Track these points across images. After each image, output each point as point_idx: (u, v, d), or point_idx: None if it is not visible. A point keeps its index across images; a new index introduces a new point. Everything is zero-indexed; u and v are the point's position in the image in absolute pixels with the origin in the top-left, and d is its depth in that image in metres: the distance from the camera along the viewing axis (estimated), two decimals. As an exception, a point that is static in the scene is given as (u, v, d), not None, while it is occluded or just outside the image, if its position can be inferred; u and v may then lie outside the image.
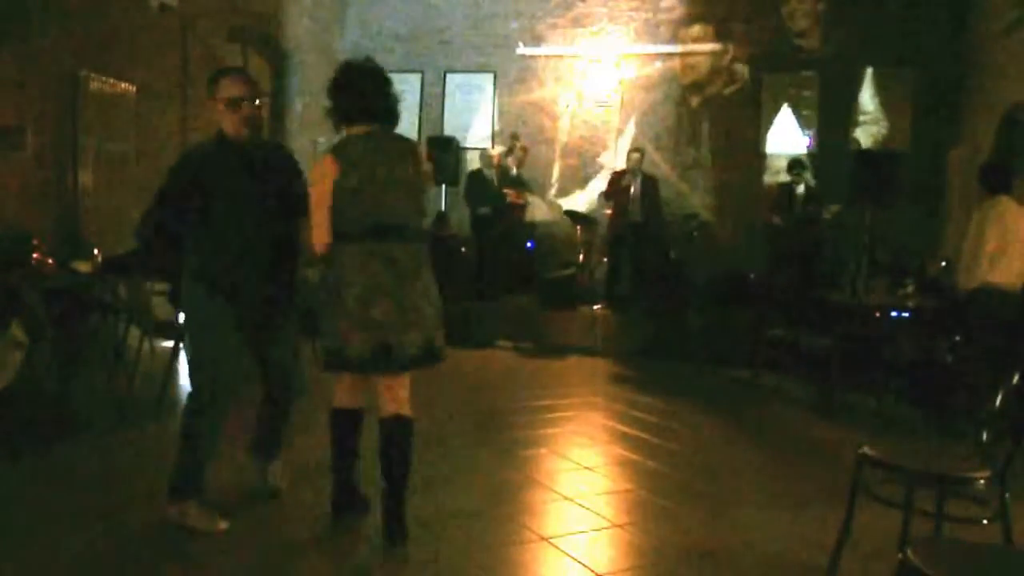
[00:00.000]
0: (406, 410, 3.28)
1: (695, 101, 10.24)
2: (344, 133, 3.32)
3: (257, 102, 3.46)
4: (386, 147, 3.27)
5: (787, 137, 9.88)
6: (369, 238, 3.16)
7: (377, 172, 3.19)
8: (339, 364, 3.23)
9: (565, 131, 10.71)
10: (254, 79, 3.62)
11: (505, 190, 9.58)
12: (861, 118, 9.58)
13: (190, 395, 3.47)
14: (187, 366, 3.79)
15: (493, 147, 10.36)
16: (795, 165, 8.66)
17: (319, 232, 3.20)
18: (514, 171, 9.84)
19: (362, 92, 3.26)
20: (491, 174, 9.70)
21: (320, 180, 3.20)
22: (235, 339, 3.44)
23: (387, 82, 3.32)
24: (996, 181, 5.51)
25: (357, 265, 3.14)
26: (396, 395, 3.26)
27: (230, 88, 3.39)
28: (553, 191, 10.72)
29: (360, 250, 3.15)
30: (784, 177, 8.99)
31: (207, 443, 3.42)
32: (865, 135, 9.54)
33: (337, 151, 3.23)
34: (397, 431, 3.26)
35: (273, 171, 3.49)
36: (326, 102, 3.33)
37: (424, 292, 3.23)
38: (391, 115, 3.34)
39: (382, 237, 3.17)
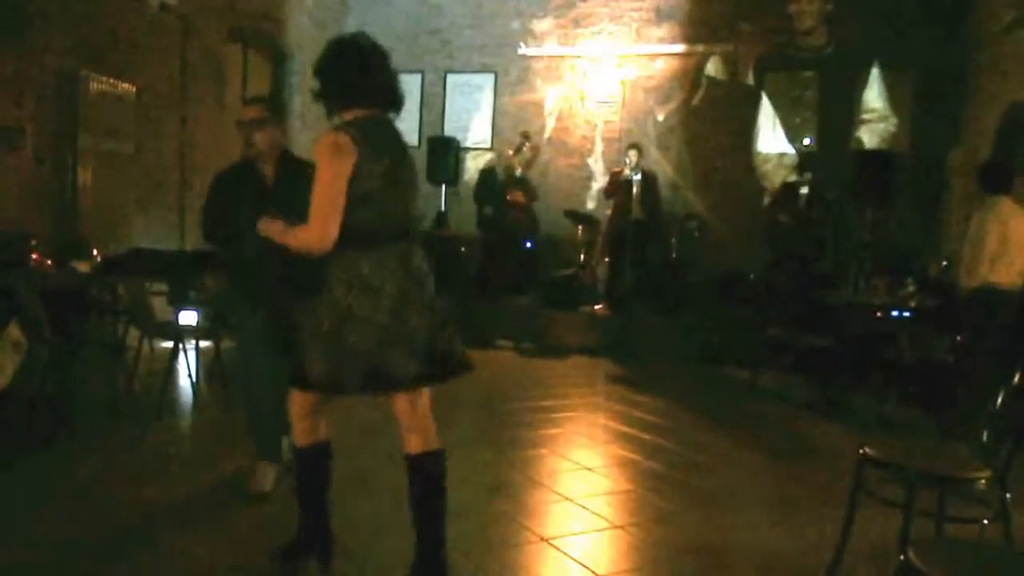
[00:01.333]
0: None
1: (696, 100, 10.23)
2: (339, 119, 2.76)
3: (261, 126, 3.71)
4: (396, 135, 2.81)
5: (788, 136, 9.88)
6: (398, 241, 2.70)
7: (395, 162, 2.71)
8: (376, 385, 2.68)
9: (565, 131, 10.71)
10: (267, 108, 3.82)
11: (508, 194, 9.59)
12: (866, 116, 9.58)
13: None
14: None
15: (493, 147, 10.36)
16: (801, 164, 8.67)
17: (327, 226, 2.58)
18: (519, 172, 9.84)
19: (368, 67, 2.73)
20: (501, 173, 9.71)
21: (337, 162, 2.58)
22: (261, 340, 3.78)
23: (390, 61, 2.81)
24: (995, 181, 5.50)
25: (386, 274, 2.65)
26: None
27: (240, 113, 3.85)
28: (551, 191, 10.71)
29: (386, 255, 2.66)
30: (790, 176, 9.01)
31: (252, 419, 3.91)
32: (870, 134, 9.53)
33: (356, 130, 2.64)
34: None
35: (286, 181, 3.67)
36: (315, 82, 2.77)
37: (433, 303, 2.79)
38: (398, 99, 2.82)
39: (409, 240, 2.74)
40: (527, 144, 10.01)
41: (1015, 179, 5.60)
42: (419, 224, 2.89)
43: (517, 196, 9.66)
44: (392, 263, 2.66)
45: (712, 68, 10.14)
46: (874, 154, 8.63)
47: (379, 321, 2.62)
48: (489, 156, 10.55)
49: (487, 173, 9.81)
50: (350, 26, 11.04)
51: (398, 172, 2.71)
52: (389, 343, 2.63)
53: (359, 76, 2.71)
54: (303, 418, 2.90)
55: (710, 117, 10.17)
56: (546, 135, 10.74)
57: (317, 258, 2.66)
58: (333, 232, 2.58)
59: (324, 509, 2.99)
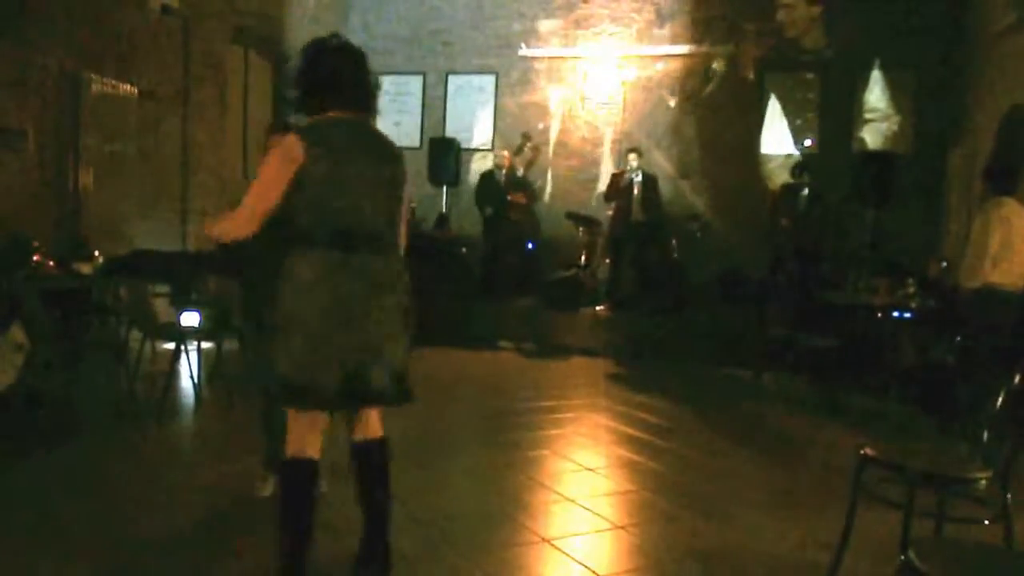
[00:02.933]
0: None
1: (697, 102, 10.24)
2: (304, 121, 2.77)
3: None
4: (368, 138, 2.76)
5: (788, 138, 9.88)
6: (338, 246, 2.61)
7: (356, 166, 2.65)
8: (301, 400, 2.63)
9: (566, 132, 10.72)
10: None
11: (509, 195, 9.61)
12: (868, 116, 9.58)
13: None
14: None
15: (494, 148, 10.37)
16: (800, 166, 8.66)
17: (244, 222, 2.64)
18: (520, 172, 9.85)
19: (339, 71, 2.71)
20: (501, 175, 9.73)
21: (278, 163, 2.61)
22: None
23: (365, 61, 2.78)
24: (1003, 182, 5.48)
25: (321, 276, 2.58)
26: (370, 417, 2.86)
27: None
28: (552, 192, 10.72)
29: (327, 259, 2.60)
30: (791, 177, 9.01)
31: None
32: (873, 134, 9.54)
33: (307, 133, 2.63)
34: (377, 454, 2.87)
35: None
36: (292, 90, 2.77)
37: (398, 312, 2.72)
38: (371, 102, 2.81)
39: (354, 246, 2.62)
40: (528, 144, 10.01)
41: (1019, 180, 5.60)
42: (380, 232, 2.70)
43: (518, 197, 9.67)
44: (328, 267, 2.59)
45: (713, 70, 10.15)
46: (875, 155, 8.64)
47: (311, 327, 2.57)
48: (490, 158, 10.55)
49: (487, 176, 9.83)
50: (352, 28, 11.06)
51: (349, 174, 2.64)
52: (312, 353, 2.57)
53: (335, 83, 2.70)
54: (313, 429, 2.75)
55: (711, 118, 10.17)
56: (552, 136, 10.74)
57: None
58: (246, 228, 2.65)
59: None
